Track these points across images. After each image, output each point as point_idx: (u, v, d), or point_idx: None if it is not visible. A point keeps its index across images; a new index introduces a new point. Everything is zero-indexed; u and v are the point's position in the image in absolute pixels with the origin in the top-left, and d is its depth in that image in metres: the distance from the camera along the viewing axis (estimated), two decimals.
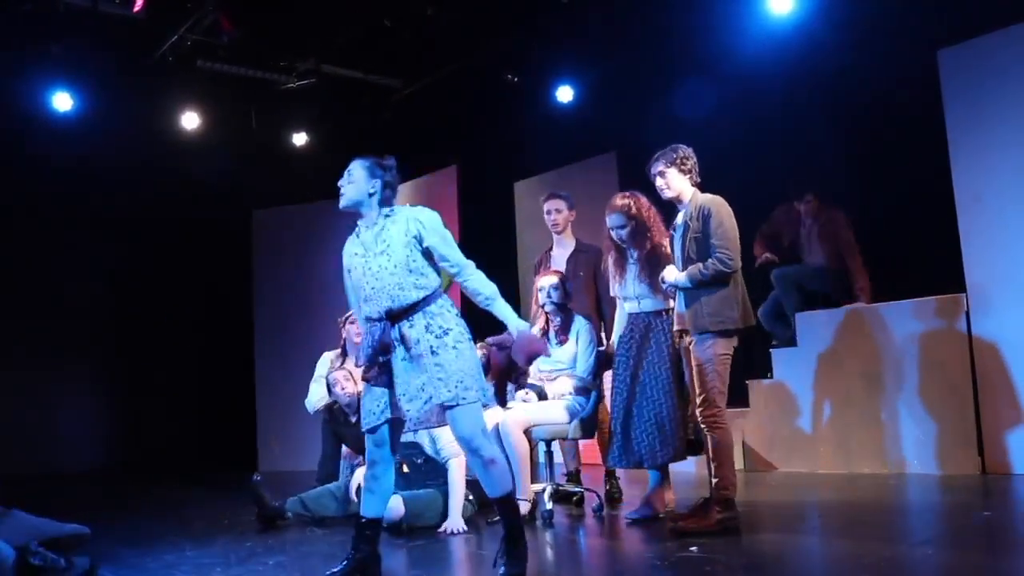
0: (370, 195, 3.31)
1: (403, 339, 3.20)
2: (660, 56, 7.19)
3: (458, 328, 3.23)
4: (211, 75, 7.65)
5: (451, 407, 3.16)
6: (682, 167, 3.98)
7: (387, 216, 3.31)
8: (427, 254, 3.27)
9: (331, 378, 5.11)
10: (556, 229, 5.34)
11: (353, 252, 3.36)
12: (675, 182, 3.99)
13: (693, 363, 3.95)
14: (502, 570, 3.15)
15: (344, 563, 3.32)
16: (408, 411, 3.20)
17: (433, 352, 3.16)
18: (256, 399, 9.32)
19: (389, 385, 3.26)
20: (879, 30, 6.05)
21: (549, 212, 5.32)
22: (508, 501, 3.24)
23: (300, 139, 8.96)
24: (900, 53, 5.99)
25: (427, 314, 3.21)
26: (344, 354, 5.60)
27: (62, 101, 7.51)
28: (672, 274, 3.97)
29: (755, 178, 6.73)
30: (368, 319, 3.31)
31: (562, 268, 5.13)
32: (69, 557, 3.50)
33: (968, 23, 5.48)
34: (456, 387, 3.14)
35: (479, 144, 8.72)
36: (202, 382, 10.06)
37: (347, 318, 5.63)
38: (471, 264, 3.31)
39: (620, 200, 4.37)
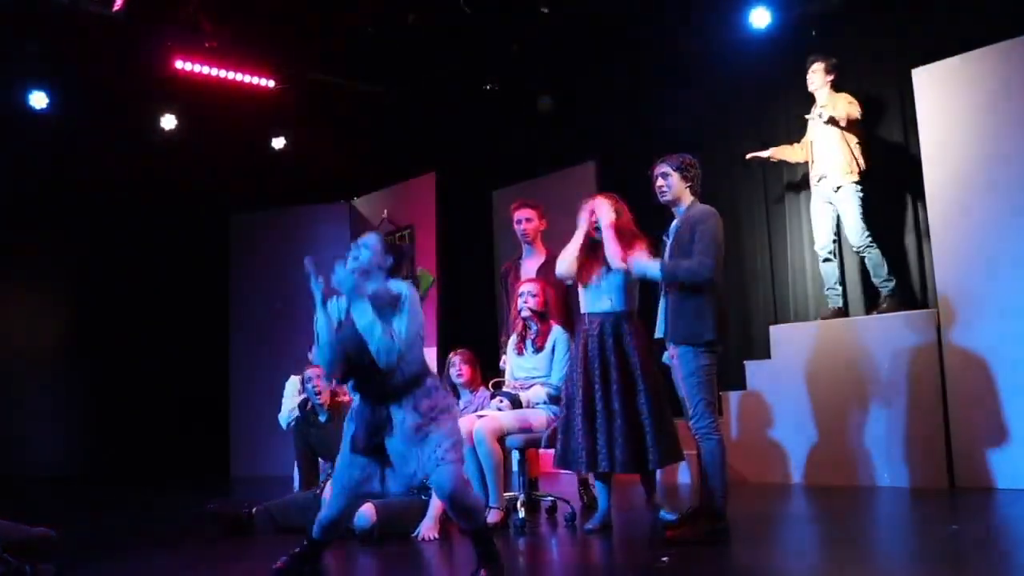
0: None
1: (390, 419, 3.29)
2: (640, 67, 7.24)
3: (443, 403, 3.36)
4: (191, 76, 7.60)
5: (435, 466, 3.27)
6: (685, 174, 4.07)
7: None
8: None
9: (307, 374, 5.09)
10: (526, 239, 5.32)
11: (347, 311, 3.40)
12: (675, 186, 4.08)
13: (679, 376, 3.99)
14: None
15: (285, 559, 3.39)
16: (392, 486, 3.34)
17: (418, 430, 3.27)
18: (230, 404, 9.26)
19: (377, 455, 3.33)
20: (854, 48, 6.14)
21: (519, 221, 5.30)
22: (480, 532, 3.32)
23: (279, 143, 8.92)
24: (874, 71, 6.08)
25: (415, 396, 3.30)
26: None
27: (38, 99, 7.42)
28: (644, 258, 4.04)
29: (737, 191, 6.80)
30: (356, 392, 3.39)
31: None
32: (35, 564, 3.45)
33: (942, 44, 5.57)
34: (436, 449, 3.25)
35: (458, 152, 8.73)
36: (175, 387, 9.95)
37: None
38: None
39: (607, 195, 4.46)
